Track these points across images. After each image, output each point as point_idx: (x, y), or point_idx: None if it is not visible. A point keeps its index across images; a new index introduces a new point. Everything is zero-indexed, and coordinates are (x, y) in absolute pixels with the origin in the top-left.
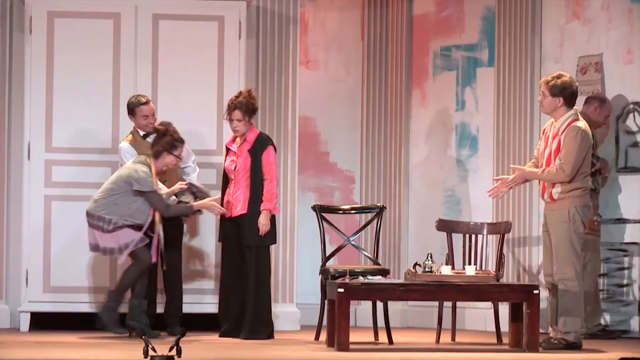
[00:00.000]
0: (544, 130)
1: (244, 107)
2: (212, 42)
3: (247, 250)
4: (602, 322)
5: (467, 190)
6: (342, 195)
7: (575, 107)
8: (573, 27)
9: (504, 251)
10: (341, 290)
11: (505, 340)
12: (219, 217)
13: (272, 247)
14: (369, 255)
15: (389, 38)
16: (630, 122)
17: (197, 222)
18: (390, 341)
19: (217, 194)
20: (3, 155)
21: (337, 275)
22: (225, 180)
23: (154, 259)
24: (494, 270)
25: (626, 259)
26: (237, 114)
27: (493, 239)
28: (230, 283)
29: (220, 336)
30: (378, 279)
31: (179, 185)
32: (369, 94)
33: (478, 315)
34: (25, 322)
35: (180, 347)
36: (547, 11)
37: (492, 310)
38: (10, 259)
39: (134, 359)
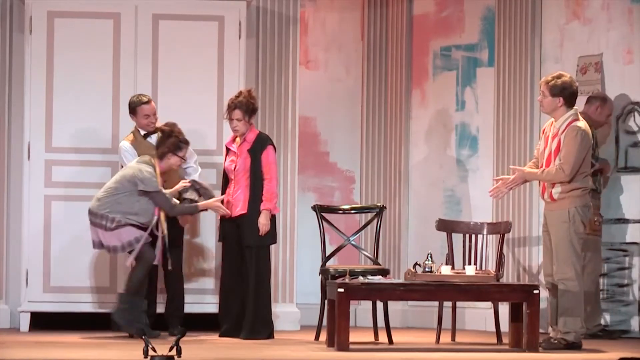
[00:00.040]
0: (544, 130)
1: (244, 106)
2: (212, 42)
3: (247, 250)
4: (602, 322)
5: (467, 190)
6: (342, 195)
7: (575, 107)
8: (573, 27)
9: (504, 251)
10: (341, 290)
11: (505, 340)
12: (219, 217)
13: (272, 247)
14: (369, 255)
15: (389, 38)
16: (630, 122)
17: (198, 222)
18: (390, 341)
19: (218, 193)
20: (3, 155)
21: (337, 275)
22: (226, 180)
23: (159, 259)
24: (494, 270)
25: (626, 259)
26: (237, 113)
27: (493, 239)
28: (230, 283)
29: (220, 336)
30: (378, 279)
31: (182, 184)
32: (369, 94)
33: (478, 315)
34: (25, 322)
35: (180, 347)
36: (547, 11)
37: (492, 310)
38: (10, 259)
39: (134, 359)
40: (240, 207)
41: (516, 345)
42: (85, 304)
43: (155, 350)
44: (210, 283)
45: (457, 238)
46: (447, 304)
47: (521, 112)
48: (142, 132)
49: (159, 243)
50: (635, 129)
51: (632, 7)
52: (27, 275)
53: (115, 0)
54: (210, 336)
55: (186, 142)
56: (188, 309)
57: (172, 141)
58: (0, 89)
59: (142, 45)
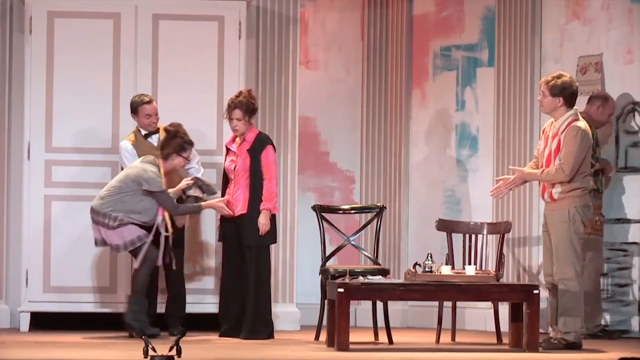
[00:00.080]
0: (544, 129)
1: (244, 106)
2: (212, 42)
3: (247, 250)
4: (602, 322)
5: (467, 190)
6: (342, 195)
7: (575, 107)
8: (573, 27)
9: (504, 251)
10: (341, 290)
11: (505, 340)
12: (219, 217)
13: (272, 247)
14: (369, 255)
15: (389, 38)
16: (630, 122)
17: (199, 222)
18: (390, 341)
19: (219, 192)
20: (3, 155)
21: (337, 275)
22: (226, 180)
23: (165, 260)
24: (494, 270)
25: (626, 259)
26: (237, 113)
27: (493, 239)
28: (230, 283)
29: (220, 336)
30: (378, 279)
31: (185, 182)
32: (369, 94)
33: (478, 315)
34: (25, 322)
35: (180, 347)
36: (547, 11)
37: (492, 310)
38: (10, 259)
39: (134, 359)
40: (240, 207)
41: (516, 345)
42: (85, 304)
43: (155, 350)
44: (210, 283)
45: (457, 238)
46: (447, 304)
47: (521, 112)
48: (143, 132)
49: (162, 243)
50: (635, 129)
51: (632, 7)
52: (27, 275)
53: (115, 0)
54: (210, 336)
55: (191, 143)
56: (188, 309)
57: (177, 142)
58: (0, 89)
59: (142, 45)
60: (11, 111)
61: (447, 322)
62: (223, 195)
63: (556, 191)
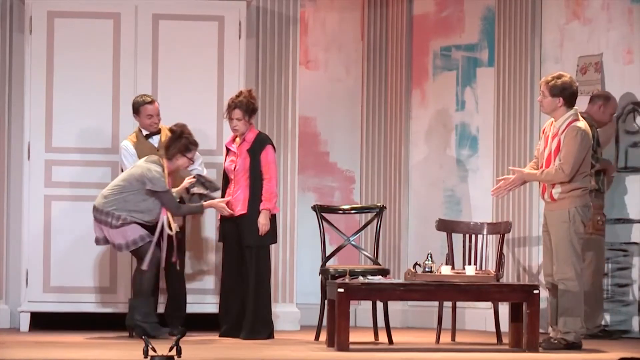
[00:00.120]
0: (544, 130)
1: (244, 106)
2: (212, 42)
3: (247, 250)
4: (602, 322)
5: (467, 190)
6: (342, 195)
7: (575, 107)
8: (573, 27)
9: (504, 251)
10: (341, 290)
11: (505, 340)
12: (219, 217)
13: (272, 247)
14: (369, 255)
15: (389, 38)
16: (630, 122)
17: (201, 222)
18: (390, 341)
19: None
20: (3, 155)
21: (337, 275)
22: (226, 181)
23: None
24: (494, 270)
25: (626, 259)
26: (237, 113)
27: (493, 239)
28: (230, 283)
29: (220, 336)
30: (378, 279)
31: (188, 180)
32: (369, 94)
33: (478, 315)
34: (25, 322)
35: (180, 347)
36: (547, 11)
37: (492, 310)
38: (10, 259)
39: (134, 359)
40: (240, 207)
41: (516, 345)
42: (85, 304)
43: (155, 350)
44: (210, 283)
45: (457, 238)
46: (447, 304)
47: (521, 112)
48: (145, 133)
49: (164, 243)
50: (635, 129)
51: (632, 7)
52: (27, 275)
53: (115, 0)
54: (210, 336)
55: (195, 144)
56: (188, 309)
57: (182, 142)
58: (0, 89)
59: (142, 45)
60: (11, 111)
61: (447, 322)
62: (223, 195)
63: (556, 191)
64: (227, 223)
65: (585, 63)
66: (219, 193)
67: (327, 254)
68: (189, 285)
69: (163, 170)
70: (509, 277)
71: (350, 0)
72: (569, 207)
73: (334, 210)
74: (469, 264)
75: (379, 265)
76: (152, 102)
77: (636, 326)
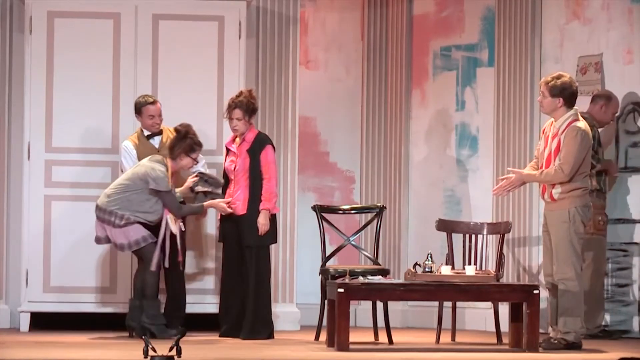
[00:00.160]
0: (544, 130)
1: (245, 106)
2: (212, 42)
3: (247, 250)
4: (602, 322)
5: (467, 190)
6: (342, 195)
7: (575, 107)
8: (573, 27)
9: (504, 251)
10: (341, 290)
11: (505, 340)
12: (219, 217)
13: (272, 247)
14: (369, 255)
15: (389, 38)
16: (630, 122)
17: (201, 222)
18: (390, 341)
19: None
20: (3, 155)
21: (337, 275)
22: (226, 181)
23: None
24: (494, 270)
25: (626, 259)
26: (238, 112)
27: (493, 239)
28: (230, 283)
29: (220, 336)
30: (378, 279)
31: (191, 179)
32: (369, 94)
33: (478, 315)
34: (25, 322)
35: (180, 347)
36: (547, 11)
37: (492, 310)
38: (10, 259)
39: (134, 359)
40: (240, 207)
41: (516, 345)
42: (85, 304)
43: (155, 350)
44: (210, 283)
45: (457, 238)
46: (447, 304)
47: (521, 112)
48: (146, 133)
49: (167, 243)
50: (635, 129)
51: (632, 7)
52: (27, 275)
53: (115, 0)
54: (210, 336)
55: (200, 145)
56: (188, 309)
57: (187, 142)
58: (0, 89)
59: (142, 45)
60: (11, 111)
61: (447, 322)
62: (225, 192)
63: (556, 191)
64: (227, 223)
65: (585, 63)
66: (222, 189)
67: (327, 254)
68: (188, 285)
69: (167, 170)
70: (509, 277)
71: (350, 0)
72: (569, 207)
73: (334, 210)
74: (469, 264)
75: (379, 265)
76: (154, 102)
77: (636, 326)
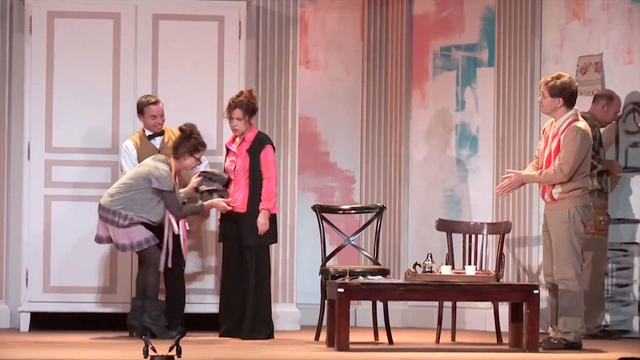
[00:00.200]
0: (544, 130)
1: (245, 106)
2: (212, 42)
3: (247, 250)
4: (602, 322)
5: (467, 190)
6: (342, 195)
7: (575, 107)
8: (573, 27)
9: (504, 251)
10: (341, 290)
11: (505, 340)
12: (219, 217)
13: (272, 247)
14: (369, 255)
15: (389, 38)
16: (630, 122)
17: (206, 222)
18: (390, 341)
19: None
20: (3, 155)
21: (337, 275)
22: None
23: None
24: (494, 270)
25: (626, 259)
26: (238, 112)
27: (493, 239)
28: (230, 283)
29: (220, 336)
30: (378, 279)
31: (194, 180)
32: (369, 94)
33: (478, 315)
34: (25, 322)
35: (180, 347)
36: (547, 11)
37: (492, 310)
38: (10, 259)
39: (134, 359)
40: (240, 207)
41: (516, 345)
42: (85, 304)
43: (155, 350)
44: (210, 283)
45: (457, 238)
46: (447, 304)
47: (521, 112)
48: (148, 134)
49: (170, 244)
50: (635, 129)
51: (632, 7)
52: (27, 275)
53: (115, 0)
54: (210, 336)
55: (204, 145)
56: (188, 309)
57: (191, 142)
58: (0, 89)
59: (142, 45)
60: (11, 111)
61: (447, 322)
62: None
63: (556, 191)
64: (227, 223)
65: (585, 63)
66: (224, 186)
67: (327, 254)
68: (188, 285)
69: (170, 170)
70: (509, 277)
71: (350, 0)
72: (569, 207)
73: (334, 210)
74: (469, 264)
75: (379, 265)
76: (156, 102)
77: (636, 326)
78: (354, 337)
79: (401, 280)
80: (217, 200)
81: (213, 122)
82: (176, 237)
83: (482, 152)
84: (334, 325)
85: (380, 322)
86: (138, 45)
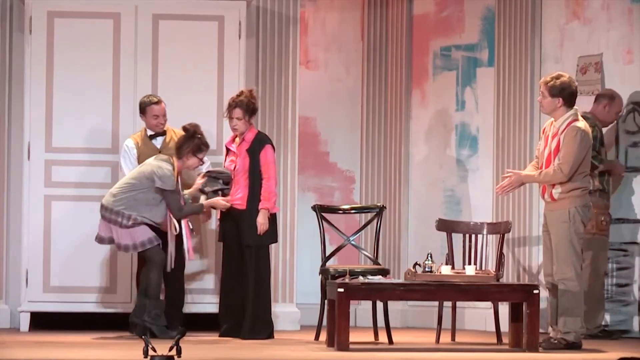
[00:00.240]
0: (544, 129)
1: (245, 106)
2: (212, 42)
3: (247, 250)
4: (602, 322)
5: (467, 190)
6: (342, 195)
7: (575, 107)
8: (573, 27)
9: (504, 251)
10: (341, 290)
11: (505, 340)
12: (219, 217)
13: (272, 247)
14: (369, 255)
15: (389, 38)
16: (630, 122)
17: (201, 222)
18: (390, 341)
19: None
20: (3, 155)
21: (337, 275)
22: None
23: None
24: (494, 270)
25: (626, 259)
26: (238, 112)
27: (493, 239)
28: (230, 283)
29: (220, 336)
30: (378, 279)
31: (199, 180)
32: (369, 94)
33: (478, 315)
34: (25, 322)
35: (180, 347)
36: (547, 11)
37: (492, 310)
38: (10, 259)
39: (134, 359)
40: (239, 204)
41: (516, 345)
42: (85, 304)
43: (155, 350)
44: (210, 283)
45: (457, 238)
46: (447, 304)
47: (521, 112)
48: (149, 133)
49: (173, 244)
50: (635, 129)
51: (632, 7)
52: (27, 275)
53: (115, 0)
54: (210, 336)
55: (207, 145)
56: (188, 309)
57: (194, 142)
58: (0, 89)
59: (142, 45)
60: (11, 111)
61: (447, 322)
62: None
63: (556, 191)
64: (227, 222)
65: (585, 63)
66: (229, 182)
67: (327, 254)
68: (188, 285)
69: (173, 169)
70: (509, 277)
71: (350, 0)
72: (569, 207)
73: (334, 210)
74: (469, 264)
75: (379, 265)
76: (158, 102)
77: (636, 326)
78: (354, 337)
79: (401, 280)
80: (216, 199)
81: (213, 122)
82: (176, 238)
83: (482, 152)
84: (334, 325)
85: (380, 322)
86: (138, 45)
